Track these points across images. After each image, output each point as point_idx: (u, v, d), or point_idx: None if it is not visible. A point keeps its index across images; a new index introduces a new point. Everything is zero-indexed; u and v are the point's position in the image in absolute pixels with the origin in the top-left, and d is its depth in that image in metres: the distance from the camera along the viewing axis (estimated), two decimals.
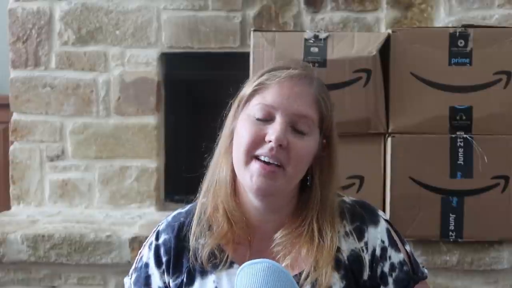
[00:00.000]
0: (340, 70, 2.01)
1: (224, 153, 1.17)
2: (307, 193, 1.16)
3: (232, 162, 1.14)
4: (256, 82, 1.13)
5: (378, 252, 1.14)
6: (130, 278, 1.21)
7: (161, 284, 1.16)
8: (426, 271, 1.20)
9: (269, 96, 1.10)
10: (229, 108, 1.19)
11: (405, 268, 1.15)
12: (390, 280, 1.13)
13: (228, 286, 1.11)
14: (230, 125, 1.16)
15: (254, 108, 1.11)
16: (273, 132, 1.08)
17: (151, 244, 1.20)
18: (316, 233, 1.11)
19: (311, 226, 1.12)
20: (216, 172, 1.17)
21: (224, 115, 1.20)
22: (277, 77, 1.11)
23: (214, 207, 1.16)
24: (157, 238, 1.19)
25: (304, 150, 1.11)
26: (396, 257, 1.15)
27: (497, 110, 2.03)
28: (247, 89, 1.15)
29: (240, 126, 1.13)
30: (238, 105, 1.15)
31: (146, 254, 1.20)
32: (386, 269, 1.13)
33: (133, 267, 1.23)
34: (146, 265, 1.19)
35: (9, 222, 2.49)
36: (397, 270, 1.14)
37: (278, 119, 1.09)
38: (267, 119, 1.10)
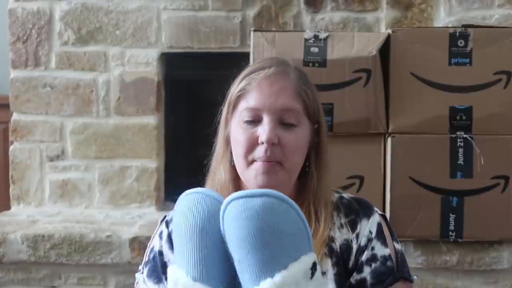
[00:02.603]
0: (340, 70, 2.01)
1: (221, 158, 1.22)
2: (304, 179, 1.20)
3: (229, 166, 1.20)
4: (238, 89, 1.18)
5: (364, 241, 1.16)
6: (142, 273, 1.21)
7: None
8: (415, 277, 1.20)
9: (251, 100, 1.15)
10: (220, 115, 1.23)
11: (388, 263, 1.15)
12: (367, 269, 1.15)
13: None
14: (224, 131, 1.21)
15: (242, 114, 1.16)
16: (263, 133, 1.13)
17: (161, 233, 1.21)
18: (312, 215, 1.17)
19: (308, 208, 1.17)
20: (215, 177, 1.22)
21: (217, 122, 1.24)
22: (255, 80, 1.16)
23: None
24: (167, 227, 1.21)
25: (297, 142, 1.15)
26: (380, 250, 1.16)
27: (497, 110, 2.03)
28: (231, 95, 1.20)
29: (234, 133, 1.18)
30: (228, 111, 1.20)
31: (158, 243, 1.21)
32: (365, 258, 1.15)
33: (143, 261, 1.23)
34: (160, 253, 1.20)
35: (9, 222, 2.49)
36: (378, 263, 1.15)
37: (265, 119, 1.14)
38: (256, 120, 1.15)
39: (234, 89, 1.19)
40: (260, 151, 1.13)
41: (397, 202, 2.04)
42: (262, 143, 1.12)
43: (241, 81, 1.19)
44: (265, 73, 1.16)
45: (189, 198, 1.00)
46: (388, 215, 2.03)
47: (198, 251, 0.96)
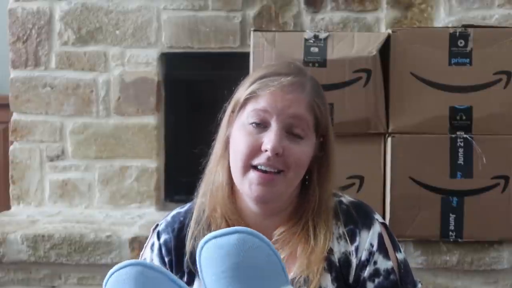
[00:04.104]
0: (340, 70, 2.01)
1: (219, 158, 1.17)
2: (305, 193, 1.16)
3: (227, 167, 1.15)
4: (248, 91, 1.12)
5: (365, 256, 1.12)
6: None
7: None
8: (420, 285, 1.18)
9: (262, 102, 1.10)
10: (223, 113, 1.19)
11: (391, 277, 1.12)
12: (371, 285, 1.11)
13: None
14: (225, 131, 1.16)
15: (249, 115, 1.11)
16: (268, 141, 1.07)
17: (152, 245, 1.19)
18: (311, 232, 1.12)
19: (306, 225, 1.13)
20: (212, 177, 1.17)
21: (219, 119, 1.19)
22: (268, 87, 1.10)
23: (213, 209, 1.16)
24: (158, 238, 1.19)
25: (301, 155, 1.11)
26: (383, 263, 1.12)
27: (497, 110, 2.03)
28: (240, 95, 1.14)
29: (235, 135, 1.13)
30: (233, 111, 1.15)
31: (149, 255, 1.19)
32: (367, 273, 1.12)
33: None
34: None
35: (9, 222, 2.49)
36: (381, 277, 1.11)
37: (273, 126, 1.09)
38: (262, 124, 1.10)
39: (244, 90, 1.13)
40: (261, 158, 1.08)
41: (397, 202, 2.04)
42: (266, 151, 1.07)
43: (252, 83, 1.13)
44: (281, 82, 1.10)
45: (116, 279, 0.96)
46: (388, 215, 2.04)
47: None
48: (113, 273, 0.95)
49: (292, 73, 1.13)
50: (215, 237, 0.93)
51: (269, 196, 1.10)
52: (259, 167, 1.09)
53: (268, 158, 1.07)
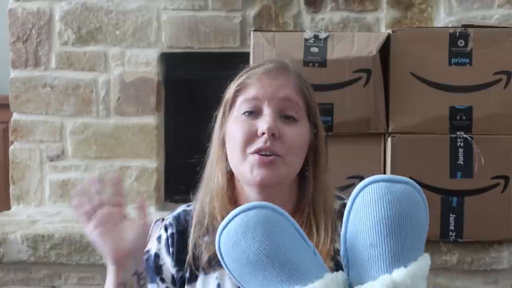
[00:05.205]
0: (340, 70, 2.01)
1: (217, 161, 1.17)
2: (302, 188, 1.16)
3: (226, 170, 1.16)
4: (236, 84, 1.15)
5: None
6: None
7: (174, 272, 1.17)
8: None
9: (251, 90, 1.12)
10: (215, 120, 1.20)
11: None
12: None
13: (231, 283, 1.11)
14: (219, 133, 1.17)
15: (241, 107, 1.13)
16: (263, 123, 1.09)
17: (159, 237, 1.20)
18: (313, 227, 1.12)
19: (308, 218, 1.13)
20: (210, 182, 1.18)
21: (211, 128, 1.20)
22: (255, 74, 1.13)
23: (212, 214, 1.16)
24: (166, 231, 1.20)
25: (298, 136, 1.12)
26: None
27: (497, 110, 2.03)
28: (229, 94, 1.17)
29: (230, 129, 1.14)
30: (224, 112, 1.17)
31: (155, 246, 1.20)
32: None
33: None
34: (156, 256, 1.19)
35: (9, 222, 2.49)
36: None
37: (266, 110, 1.10)
38: (255, 112, 1.11)
39: (232, 87, 1.16)
40: (259, 143, 1.08)
41: None
42: (263, 133, 1.08)
43: (239, 78, 1.16)
44: (265, 67, 1.14)
45: (243, 222, 0.90)
46: None
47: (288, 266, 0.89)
48: (237, 214, 0.90)
49: (275, 62, 1.18)
50: (383, 180, 0.91)
51: (271, 179, 1.09)
52: (258, 152, 1.09)
53: (265, 141, 1.08)
